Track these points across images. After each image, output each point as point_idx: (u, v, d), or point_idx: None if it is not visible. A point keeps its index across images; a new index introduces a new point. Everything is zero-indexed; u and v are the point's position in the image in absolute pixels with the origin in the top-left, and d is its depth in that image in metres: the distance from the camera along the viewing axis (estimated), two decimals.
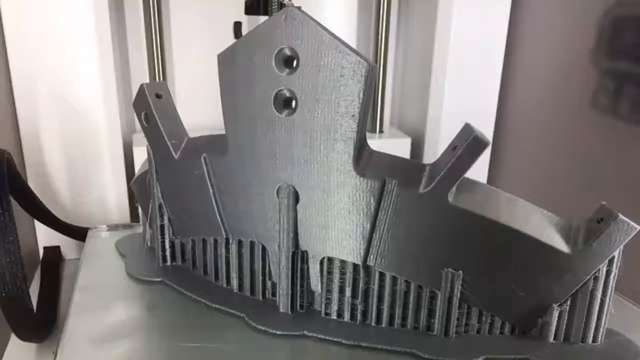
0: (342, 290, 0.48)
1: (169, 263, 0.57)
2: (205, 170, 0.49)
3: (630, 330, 0.48)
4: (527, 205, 0.44)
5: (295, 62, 0.42)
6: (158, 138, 0.51)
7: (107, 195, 0.84)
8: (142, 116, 0.51)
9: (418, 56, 1.01)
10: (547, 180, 0.90)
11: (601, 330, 0.46)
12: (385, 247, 0.45)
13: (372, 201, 0.44)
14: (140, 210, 0.62)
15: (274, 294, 0.51)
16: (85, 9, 0.77)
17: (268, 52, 0.42)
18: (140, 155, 0.84)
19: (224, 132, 0.47)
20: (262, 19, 0.88)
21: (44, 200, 0.76)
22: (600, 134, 0.78)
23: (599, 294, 0.44)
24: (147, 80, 0.93)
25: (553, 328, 0.46)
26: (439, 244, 0.44)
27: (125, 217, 0.86)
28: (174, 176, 0.52)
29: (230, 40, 0.82)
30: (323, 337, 0.47)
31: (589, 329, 0.46)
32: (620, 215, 0.41)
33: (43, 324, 0.61)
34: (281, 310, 0.50)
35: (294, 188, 0.46)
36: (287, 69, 0.43)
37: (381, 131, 1.05)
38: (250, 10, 0.88)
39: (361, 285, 0.47)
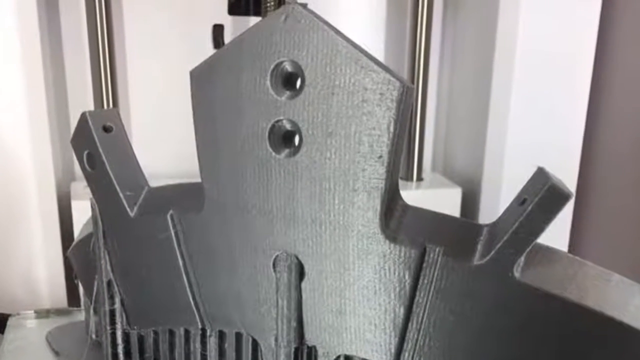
0: None
1: None
2: (173, 233, 0.50)
3: None
4: (624, 283, 0.44)
5: (299, 82, 0.43)
6: (107, 188, 0.52)
7: (35, 269, 0.85)
8: (85, 157, 0.52)
9: (471, 73, 1.03)
10: None
11: None
12: (426, 341, 0.45)
13: (406, 276, 0.44)
14: (81, 289, 0.63)
15: None
16: (5, 6, 0.78)
17: (261, 68, 0.43)
18: (82, 212, 0.85)
19: (199, 179, 0.48)
20: (253, 20, 0.90)
21: None
22: None
23: None
24: (91, 107, 0.94)
25: None
26: (501, 335, 0.44)
27: (60, 299, 0.86)
28: (129, 241, 0.53)
29: (209, 50, 0.83)
30: None
31: None
32: None
33: None
34: None
35: (297, 258, 0.46)
36: (287, 92, 0.44)
37: (420, 179, 1.06)
38: (235, 9, 0.90)
39: None
